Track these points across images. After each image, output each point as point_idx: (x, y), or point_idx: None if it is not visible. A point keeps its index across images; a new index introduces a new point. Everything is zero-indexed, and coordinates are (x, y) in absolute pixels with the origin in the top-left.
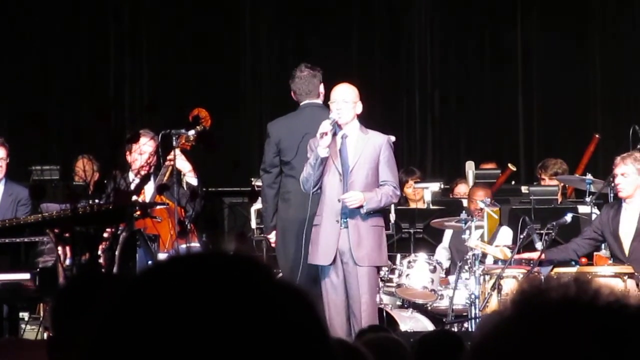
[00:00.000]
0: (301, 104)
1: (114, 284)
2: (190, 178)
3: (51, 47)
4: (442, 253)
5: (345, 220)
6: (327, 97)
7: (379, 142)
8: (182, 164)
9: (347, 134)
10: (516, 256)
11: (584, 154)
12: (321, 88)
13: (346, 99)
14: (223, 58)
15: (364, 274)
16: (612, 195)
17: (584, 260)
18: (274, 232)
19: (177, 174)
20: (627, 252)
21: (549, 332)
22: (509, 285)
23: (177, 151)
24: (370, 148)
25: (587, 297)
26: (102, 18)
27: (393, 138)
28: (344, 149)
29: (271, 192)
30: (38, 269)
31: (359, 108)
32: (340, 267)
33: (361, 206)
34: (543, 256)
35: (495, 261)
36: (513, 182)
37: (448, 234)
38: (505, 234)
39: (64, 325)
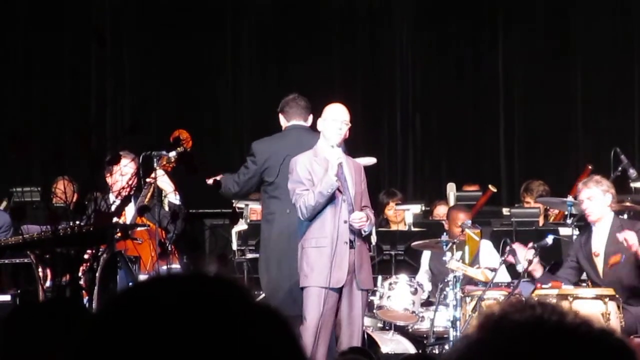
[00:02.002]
0: (288, 124)
1: (61, 316)
2: (173, 198)
3: (32, 69)
4: (424, 277)
5: (352, 241)
6: (314, 120)
7: (360, 167)
8: (165, 184)
9: (339, 155)
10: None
11: (574, 184)
12: (309, 118)
13: (347, 121)
14: (204, 80)
15: (364, 296)
16: None
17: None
18: None
19: (158, 195)
20: (601, 274)
21: (515, 355)
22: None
23: (160, 171)
24: (357, 172)
25: (552, 320)
26: (84, 40)
27: (374, 160)
28: (340, 171)
29: (234, 188)
30: (19, 291)
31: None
32: (338, 289)
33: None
34: (537, 274)
35: (476, 283)
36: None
37: (426, 256)
38: (487, 248)
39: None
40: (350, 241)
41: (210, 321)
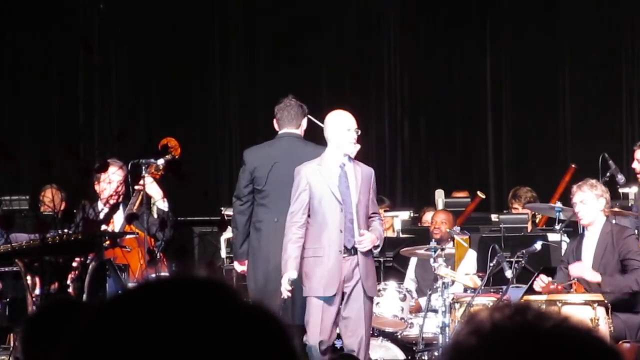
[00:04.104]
0: (280, 132)
1: (84, 313)
2: (161, 204)
3: (21, 77)
4: (410, 284)
5: (351, 249)
6: (307, 131)
7: (370, 173)
8: (154, 190)
9: (344, 162)
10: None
11: (559, 184)
12: (304, 122)
13: (357, 127)
14: (192, 87)
15: (370, 304)
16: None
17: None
18: (241, 261)
19: (147, 203)
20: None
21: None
22: None
23: (149, 178)
24: (365, 179)
25: (546, 324)
26: (72, 48)
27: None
28: (343, 179)
29: (242, 219)
30: (8, 299)
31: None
32: (339, 298)
33: (371, 249)
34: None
35: (465, 289)
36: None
37: (413, 263)
38: (470, 258)
39: (35, 354)
40: (347, 249)
41: (201, 324)
